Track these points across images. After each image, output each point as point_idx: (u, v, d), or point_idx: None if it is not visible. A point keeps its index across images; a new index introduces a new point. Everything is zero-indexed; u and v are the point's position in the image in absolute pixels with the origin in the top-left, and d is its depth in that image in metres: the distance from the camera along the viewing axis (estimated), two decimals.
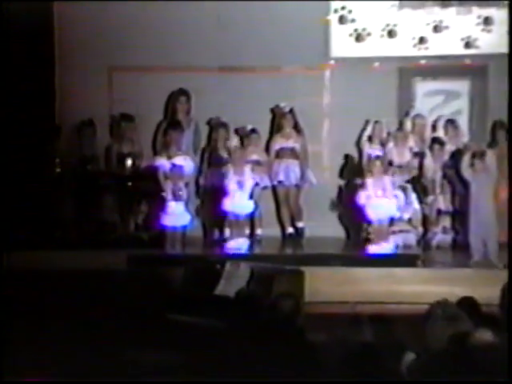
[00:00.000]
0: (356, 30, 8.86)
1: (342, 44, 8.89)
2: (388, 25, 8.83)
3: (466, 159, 7.68)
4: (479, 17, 8.66)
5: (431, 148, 8.49)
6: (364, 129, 8.74)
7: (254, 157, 8.47)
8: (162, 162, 8.02)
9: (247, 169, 8.04)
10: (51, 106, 8.85)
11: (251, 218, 8.24)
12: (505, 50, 8.23)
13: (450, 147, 8.48)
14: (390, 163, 8.39)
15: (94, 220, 8.39)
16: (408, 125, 8.71)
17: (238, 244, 7.89)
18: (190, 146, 8.68)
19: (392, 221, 8.13)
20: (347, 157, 8.81)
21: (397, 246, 8.06)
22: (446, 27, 8.74)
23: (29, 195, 8.14)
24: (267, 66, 8.82)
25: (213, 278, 6.21)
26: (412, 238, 8.29)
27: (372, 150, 8.39)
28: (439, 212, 8.35)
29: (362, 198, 7.83)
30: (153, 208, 8.18)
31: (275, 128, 8.77)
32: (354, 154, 8.81)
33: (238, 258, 6.96)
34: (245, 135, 8.47)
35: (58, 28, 8.85)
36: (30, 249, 7.52)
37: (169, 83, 8.80)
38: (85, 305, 6.01)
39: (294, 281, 6.15)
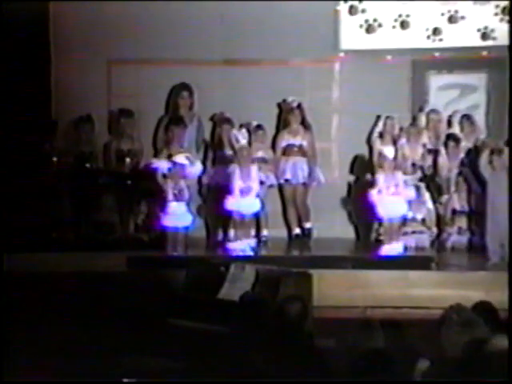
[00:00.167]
0: (367, 21, 8.85)
1: (352, 36, 8.88)
2: (400, 15, 8.81)
3: (484, 156, 7.67)
4: (497, 6, 8.64)
5: (446, 145, 8.48)
6: (375, 125, 8.73)
7: (260, 154, 8.47)
8: (161, 164, 7.94)
9: (254, 167, 8.00)
10: (47, 101, 8.85)
11: (256, 218, 8.23)
12: None
13: (465, 144, 8.47)
14: (402, 158, 8.36)
15: (91, 220, 8.40)
16: (422, 120, 8.69)
17: (243, 245, 7.88)
18: (193, 143, 8.68)
19: (405, 221, 8.12)
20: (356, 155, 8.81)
21: (409, 248, 8.05)
22: (462, 17, 8.72)
23: (23, 194, 8.14)
24: (274, 59, 8.81)
25: (216, 281, 6.21)
26: (425, 239, 8.28)
27: (383, 146, 8.37)
28: (454, 212, 8.34)
29: (372, 194, 7.81)
30: (153, 208, 8.18)
31: (282, 124, 8.77)
32: (365, 151, 8.80)
33: (242, 259, 6.97)
34: (250, 131, 8.44)
35: (53, 20, 8.84)
36: (25, 251, 7.52)
37: (170, 77, 8.80)
38: (83, 309, 6.02)
39: (301, 284, 6.15)
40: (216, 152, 8.63)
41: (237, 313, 5.28)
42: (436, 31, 8.77)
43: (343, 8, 8.83)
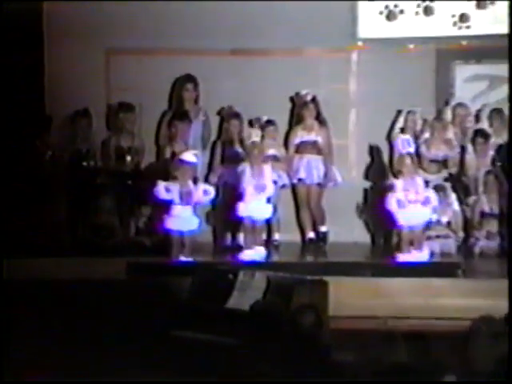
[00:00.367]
0: (387, 7, 8.85)
1: (371, 23, 8.89)
2: (424, 0, 8.81)
3: None
4: None
5: (474, 141, 8.47)
6: (396, 120, 8.73)
7: (271, 152, 8.47)
8: (158, 188, 7.73)
9: (267, 166, 7.98)
10: (40, 95, 8.87)
11: (268, 222, 8.22)
12: None
13: (495, 140, 8.46)
14: (424, 155, 8.35)
15: (89, 223, 8.42)
16: (447, 115, 8.68)
17: (253, 254, 7.85)
18: (199, 140, 8.70)
19: (428, 225, 8.10)
20: (372, 151, 8.79)
21: (434, 254, 8.04)
22: (491, 2, 8.70)
23: (15, 196, 8.16)
24: (286, 49, 8.82)
25: (224, 290, 6.22)
26: (451, 244, 8.27)
27: (404, 139, 8.37)
28: (482, 214, 8.32)
29: (391, 202, 7.77)
30: (156, 210, 8.19)
31: (295, 119, 8.78)
32: (384, 148, 8.80)
33: (252, 266, 6.97)
34: (260, 127, 8.45)
35: (46, 6, 8.87)
36: (17, 257, 7.54)
37: (174, 68, 8.82)
38: (77, 320, 6.04)
39: (316, 292, 6.15)
40: (224, 149, 8.65)
41: (247, 324, 5.28)
42: (463, 18, 8.76)
43: None
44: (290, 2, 8.70)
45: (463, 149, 8.54)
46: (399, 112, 8.70)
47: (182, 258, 7.76)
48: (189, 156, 7.94)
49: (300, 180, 8.59)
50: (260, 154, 7.98)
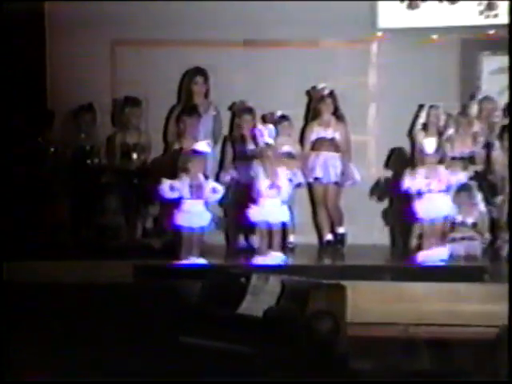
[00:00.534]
0: None
1: (391, 12, 8.89)
2: None
3: None
4: None
5: (501, 137, 8.47)
6: (418, 115, 8.73)
7: (286, 148, 8.49)
8: (163, 187, 7.75)
9: (281, 168, 7.96)
10: (42, 88, 8.92)
11: (282, 224, 8.22)
12: None
13: None
14: (449, 152, 8.37)
15: (93, 224, 8.47)
16: (473, 109, 8.69)
17: (270, 259, 7.86)
18: (209, 136, 8.71)
19: (453, 225, 8.11)
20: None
21: (458, 257, 8.05)
22: None
23: (15, 195, 8.21)
24: (301, 40, 8.85)
25: (236, 294, 6.25)
26: (477, 247, 8.27)
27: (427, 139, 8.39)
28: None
29: (411, 190, 7.78)
30: (164, 209, 8.22)
31: (311, 114, 8.80)
32: (406, 145, 8.81)
33: (266, 269, 6.99)
34: (274, 123, 8.46)
35: None
36: (17, 259, 7.58)
37: (183, 60, 8.86)
38: (83, 325, 6.08)
39: (333, 297, 6.17)
40: (235, 146, 8.68)
41: (260, 330, 5.32)
42: (490, 5, 8.76)
43: None
44: None
45: (490, 145, 8.53)
46: (421, 107, 8.70)
47: (192, 260, 7.79)
48: (202, 146, 7.93)
49: (316, 179, 8.59)
50: (274, 154, 7.97)
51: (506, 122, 8.60)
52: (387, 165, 8.82)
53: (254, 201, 7.90)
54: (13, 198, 8.17)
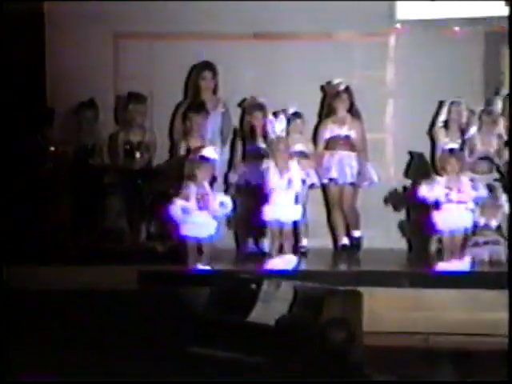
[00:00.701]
0: None
1: (410, 3, 8.89)
2: None
3: None
4: None
5: None
6: (438, 112, 8.74)
7: (298, 147, 8.51)
8: (175, 208, 7.74)
9: (293, 162, 8.02)
10: (41, 85, 8.95)
11: (295, 226, 8.26)
12: None
13: None
14: (472, 152, 8.37)
15: (95, 227, 8.49)
16: (497, 106, 8.68)
17: (282, 261, 7.89)
18: (217, 134, 8.75)
19: (475, 229, 8.11)
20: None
21: (481, 262, 8.05)
22: None
23: (14, 196, 8.24)
24: (315, 32, 8.85)
25: (246, 301, 6.26)
26: (501, 251, 8.26)
27: (448, 138, 8.39)
28: None
29: (429, 199, 7.79)
30: (169, 212, 8.23)
31: (325, 111, 8.81)
32: (425, 143, 8.82)
33: (278, 275, 7.01)
34: (286, 120, 8.46)
35: None
36: (16, 264, 7.61)
37: (190, 54, 8.87)
38: (85, 333, 6.10)
39: (348, 305, 6.19)
40: (246, 145, 8.70)
41: (271, 339, 5.33)
42: None
43: None
44: None
45: None
46: (442, 103, 8.71)
47: (200, 266, 7.81)
48: (210, 152, 7.97)
49: (331, 179, 8.60)
50: (286, 149, 8.01)
51: None
52: (407, 174, 8.83)
53: (265, 199, 7.92)
54: (11, 199, 8.18)
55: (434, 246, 8.34)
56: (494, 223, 8.32)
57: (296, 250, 8.23)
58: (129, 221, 8.55)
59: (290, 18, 8.80)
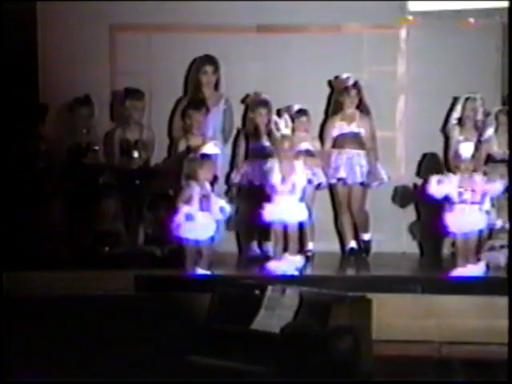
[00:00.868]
0: None
1: None
2: None
3: None
4: None
5: None
6: (452, 108, 8.76)
7: (304, 146, 8.53)
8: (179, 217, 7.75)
9: (299, 162, 8.05)
10: (33, 80, 8.97)
11: (300, 229, 8.28)
12: None
13: None
14: (488, 156, 8.38)
15: (90, 230, 8.51)
16: None
17: (287, 265, 7.92)
18: (219, 132, 8.78)
19: (491, 232, 8.13)
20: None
21: (497, 267, 8.07)
22: None
23: (4, 198, 8.25)
24: (322, 24, 8.88)
25: (250, 308, 6.28)
26: None
27: (463, 136, 8.40)
28: None
29: (438, 193, 7.81)
30: (168, 214, 8.26)
31: (333, 107, 8.83)
32: (439, 141, 8.84)
33: (283, 280, 7.03)
34: (291, 117, 8.49)
35: None
36: (9, 270, 7.62)
37: (190, 47, 8.90)
38: (81, 339, 6.13)
39: (357, 312, 6.21)
40: (249, 143, 8.72)
41: (275, 348, 5.35)
42: None
43: None
44: None
45: None
46: (456, 99, 8.73)
47: (200, 271, 7.84)
48: (210, 147, 7.98)
49: (339, 179, 8.62)
50: (291, 147, 8.03)
51: None
52: (418, 173, 8.84)
53: (269, 199, 7.95)
54: (1, 202, 8.20)
55: (447, 250, 8.36)
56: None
57: (301, 253, 8.25)
58: (126, 223, 8.58)
59: (295, 10, 8.81)
